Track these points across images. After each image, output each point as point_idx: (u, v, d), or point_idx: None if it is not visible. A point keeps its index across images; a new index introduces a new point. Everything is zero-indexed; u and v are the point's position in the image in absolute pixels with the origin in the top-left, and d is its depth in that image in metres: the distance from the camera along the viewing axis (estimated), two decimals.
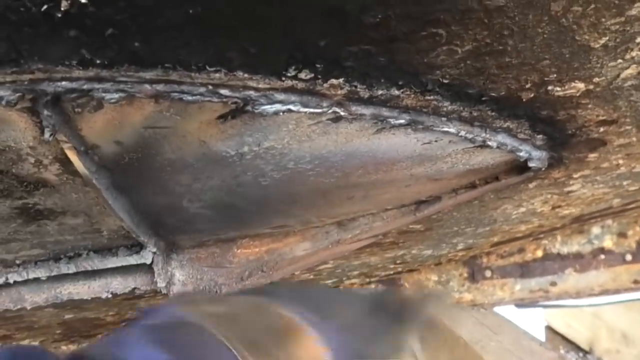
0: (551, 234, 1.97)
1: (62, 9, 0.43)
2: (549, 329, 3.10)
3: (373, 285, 2.07)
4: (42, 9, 0.43)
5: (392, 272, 1.90)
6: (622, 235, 2.00)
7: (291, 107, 0.59)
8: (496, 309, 2.00)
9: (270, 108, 0.58)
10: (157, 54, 0.50)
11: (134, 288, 1.04)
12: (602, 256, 2.02)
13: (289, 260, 1.04)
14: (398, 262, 1.68)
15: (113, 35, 0.47)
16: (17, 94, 0.52)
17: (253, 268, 1.03)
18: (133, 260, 0.97)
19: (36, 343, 1.75)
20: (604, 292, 2.07)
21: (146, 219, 0.86)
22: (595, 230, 2.00)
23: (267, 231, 1.02)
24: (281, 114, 0.60)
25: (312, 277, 1.69)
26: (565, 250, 2.02)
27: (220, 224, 0.94)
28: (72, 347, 1.89)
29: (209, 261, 1.04)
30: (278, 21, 0.48)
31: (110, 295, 1.02)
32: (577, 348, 2.80)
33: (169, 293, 1.03)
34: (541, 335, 2.97)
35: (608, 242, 2.02)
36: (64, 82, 0.51)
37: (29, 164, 0.65)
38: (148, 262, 0.97)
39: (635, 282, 2.03)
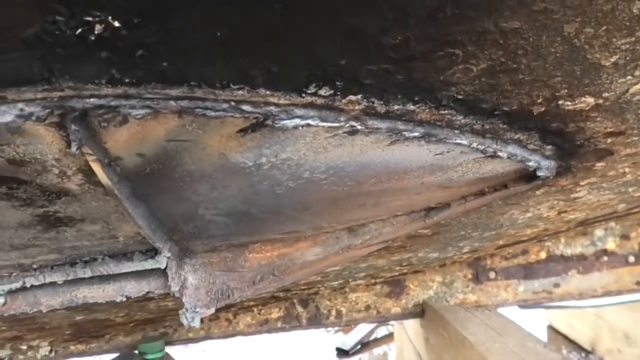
0: (555, 236, 1.99)
1: (96, 32, 0.45)
2: (551, 329, 3.13)
3: (378, 286, 2.09)
4: (77, 32, 0.45)
5: (397, 274, 1.92)
6: (625, 237, 2.02)
7: (310, 121, 0.61)
8: (500, 309, 2.02)
9: (289, 122, 0.60)
10: (184, 73, 0.52)
11: (148, 292, 1.05)
12: (605, 258, 2.03)
13: (300, 264, 1.06)
14: (404, 264, 1.69)
15: (143, 56, 0.48)
16: (47, 110, 0.54)
17: (265, 272, 1.04)
18: (148, 265, 0.98)
19: (46, 343, 1.77)
20: (607, 293, 2.08)
21: (162, 225, 0.88)
22: (599, 232, 2.02)
23: (278, 236, 1.04)
24: (300, 127, 0.61)
25: (319, 278, 1.71)
26: (568, 252, 2.04)
27: (234, 230, 0.95)
28: (81, 347, 1.91)
29: (222, 265, 1.06)
30: (301, 42, 0.50)
31: (124, 299, 1.04)
32: (579, 348, 2.82)
33: (182, 296, 1.05)
34: (543, 335, 2.99)
35: (611, 244, 2.03)
36: (92, 99, 0.53)
37: (53, 174, 0.67)
38: (162, 266, 0.98)
39: (638, 283, 2.05)
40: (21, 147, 0.60)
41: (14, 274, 0.99)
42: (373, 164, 0.75)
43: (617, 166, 0.90)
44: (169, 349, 1.92)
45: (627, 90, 0.64)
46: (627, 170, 0.93)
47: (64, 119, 0.55)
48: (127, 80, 0.51)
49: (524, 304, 2.13)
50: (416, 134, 0.67)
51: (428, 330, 1.96)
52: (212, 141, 0.64)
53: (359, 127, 0.63)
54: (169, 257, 0.99)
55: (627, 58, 0.58)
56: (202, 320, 1.11)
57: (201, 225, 0.90)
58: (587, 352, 2.72)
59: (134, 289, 1.04)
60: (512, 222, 1.24)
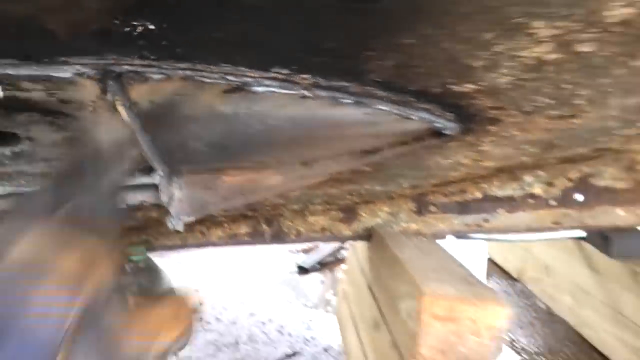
0: (489, 179, 2.30)
1: (138, 30, 0.70)
2: (490, 261, 3.51)
3: (334, 212, 2.40)
4: (125, 30, 0.70)
5: (350, 202, 2.23)
6: (550, 184, 2.35)
7: (274, 89, 0.88)
8: (452, 246, 2.33)
9: (259, 88, 0.87)
10: (190, 55, 0.78)
11: (142, 201, 1.34)
12: (531, 200, 2.37)
13: (264, 187, 1.35)
14: (354, 194, 2.00)
15: (165, 45, 0.74)
16: (95, 71, 0.80)
17: (235, 192, 1.33)
18: (145, 180, 1.26)
19: None
20: (528, 229, 2.42)
21: (160, 151, 1.15)
22: (528, 178, 2.34)
23: (248, 165, 1.32)
24: (267, 92, 0.88)
25: (282, 202, 2.01)
26: (500, 193, 2.37)
27: (213, 158, 1.23)
28: None
29: (201, 185, 1.34)
30: (269, 44, 0.76)
31: (124, 206, 1.32)
32: (510, 277, 3.21)
33: (170, 207, 1.34)
34: (484, 267, 3.41)
35: (538, 189, 2.36)
36: (126, 66, 0.79)
37: (88, 111, 0.93)
38: (156, 182, 1.26)
39: (555, 222, 2.39)
40: (70, 92, 0.86)
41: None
42: (320, 118, 1.03)
43: (507, 129, 1.19)
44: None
45: (496, 81, 0.92)
46: (515, 132, 1.22)
47: (104, 77, 0.81)
48: (152, 57, 0.77)
49: (457, 234, 2.47)
50: (349, 100, 0.95)
51: (372, 251, 2.30)
52: (204, 96, 0.90)
53: (308, 94, 0.91)
54: (161, 176, 1.27)
55: (490, 63, 0.85)
56: (183, 226, 1.40)
57: (189, 153, 1.18)
58: (515, 280, 3.11)
59: (132, 198, 1.32)
60: (437, 166, 1.54)
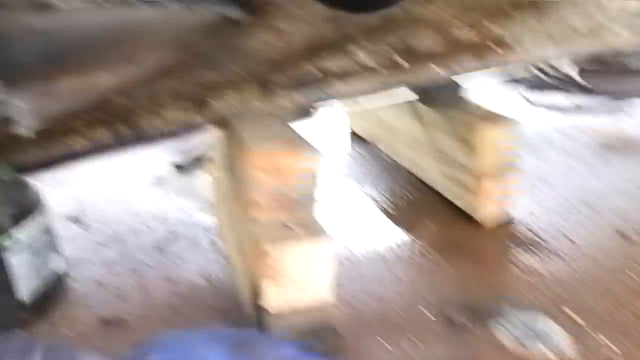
0: (318, 55, 2.58)
1: None
2: (352, 133, 3.96)
3: (186, 104, 2.59)
4: None
5: (197, 93, 2.43)
6: (375, 53, 2.68)
7: (74, 3, 1.09)
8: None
9: (61, 4, 1.08)
10: None
11: None
12: (362, 71, 2.71)
13: (101, 87, 1.57)
14: (197, 85, 2.21)
15: None
16: None
17: (74, 94, 1.54)
18: None
19: None
20: (361, 93, 2.78)
21: None
22: (355, 50, 2.65)
23: (81, 69, 1.52)
24: (69, 6, 1.10)
25: (131, 102, 2.19)
26: (336, 68, 2.67)
27: (49, 68, 1.42)
28: None
29: (41, 93, 1.52)
30: None
31: None
32: (366, 142, 3.67)
33: (16, 117, 1.52)
34: (348, 137, 3.86)
35: (368, 60, 2.68)
36: None
37: None
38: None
39: (385, 85, 2.77)
40: None
41: None
42: (126, 20, 1.25)
43: (285, 9, 1.46)
44: None
45: None
46: (294, 10, 1.49)
47: None
48: None
49: (302, 106, 2.77)
50: (144, 4, 1.18)
51: (225, 134, 2.57)
52: (17, 17, 1.10)
53: (105, 3, 1.13)
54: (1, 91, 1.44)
55: None
56: (35, 134, 1.58)
57: (21, 66, 1.36)
58: (370, 144, 3.58)
59: None
60: (250, 48, 1.80)
